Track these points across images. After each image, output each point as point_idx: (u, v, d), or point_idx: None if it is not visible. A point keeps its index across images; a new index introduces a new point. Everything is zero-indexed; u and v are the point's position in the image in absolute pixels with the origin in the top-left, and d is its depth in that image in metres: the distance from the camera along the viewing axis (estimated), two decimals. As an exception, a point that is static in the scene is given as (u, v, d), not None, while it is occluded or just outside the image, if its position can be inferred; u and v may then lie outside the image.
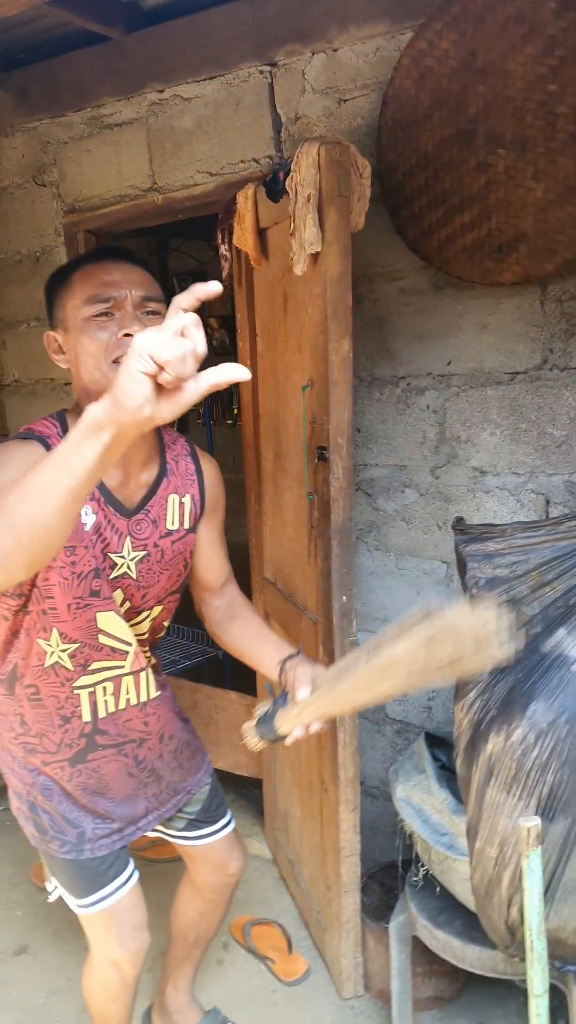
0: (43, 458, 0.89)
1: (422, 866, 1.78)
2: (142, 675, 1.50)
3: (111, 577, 1.39)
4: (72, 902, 1.53)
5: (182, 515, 1.47)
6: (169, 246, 4.31)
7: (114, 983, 1.58)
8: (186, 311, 0.79)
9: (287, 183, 1.73)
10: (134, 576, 1.42)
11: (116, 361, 1.30)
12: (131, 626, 1.46)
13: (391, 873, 2.17)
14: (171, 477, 1.46)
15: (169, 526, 1.45)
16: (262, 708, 1.39)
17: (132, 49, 2.38)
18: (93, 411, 0.81)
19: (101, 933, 1.54)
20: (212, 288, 0.81)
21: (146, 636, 1.54)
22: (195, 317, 0.78)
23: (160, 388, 0.78)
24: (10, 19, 2.32)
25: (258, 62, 2.16)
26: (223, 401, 4.07)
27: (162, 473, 1.45)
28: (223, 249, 2.17)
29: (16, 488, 0.89)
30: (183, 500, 1.48)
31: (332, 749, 1.88)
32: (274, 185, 1.85)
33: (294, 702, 1.31)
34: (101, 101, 2.48)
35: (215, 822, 1.70)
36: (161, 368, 0.76)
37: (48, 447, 1.31)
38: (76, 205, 2.65)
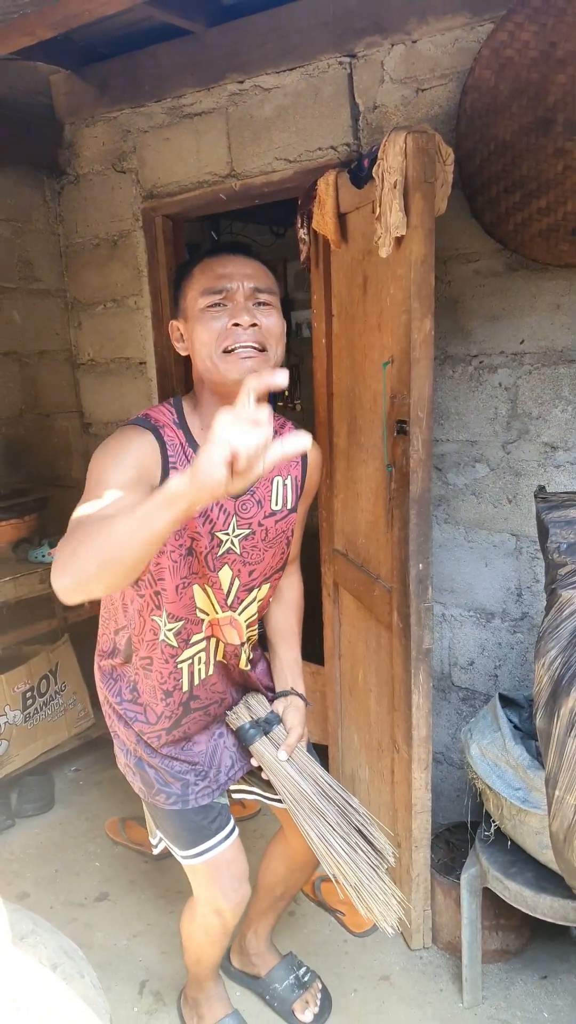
0: (146, 460, 1.32)
1: (493, 822, 1.87)
2: (225, 646, 1.60)
3: (218, 555, 1.48)
4: (178, 853, 1.65)
5: (285, 496, 1.55)
6: (230, 230, 4.41)
7: (216, 929, 1.70)
8: (257, 397, 0.90)
9: (373, 170, 1.81)
10: (238, 552, 1.51)
11: (226, 351, 1.38)
12: (243, 607, 1.56)
13: (456, 833, 2.26)
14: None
15: (273, 506, 1.54)
16: (260, 710, 1.71)
17: (212, 42, 2.47)
18: (175, 484, 0.93)
19: (205, 884, 1.65)
20: (279, 382, 0.92)
21: (255, 616, 1.62)
22: (269, 411, 0.89)
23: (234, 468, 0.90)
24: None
25: (338, 53, 2.24)
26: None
27: None
28: (302, 233, 2.27)
29: (107, 524, 1.04)
30: (286, 482, 1.55)
31: (405, 711, 1.98)
32: (358, 172, 1.93)
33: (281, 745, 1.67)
34: (181, 92, 2.59)
35: None
36: (237, 456, 0.87)
37: (161, 439, 1.40)
38: (154, 191, 2.76)
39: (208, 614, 1.54)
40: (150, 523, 0.97)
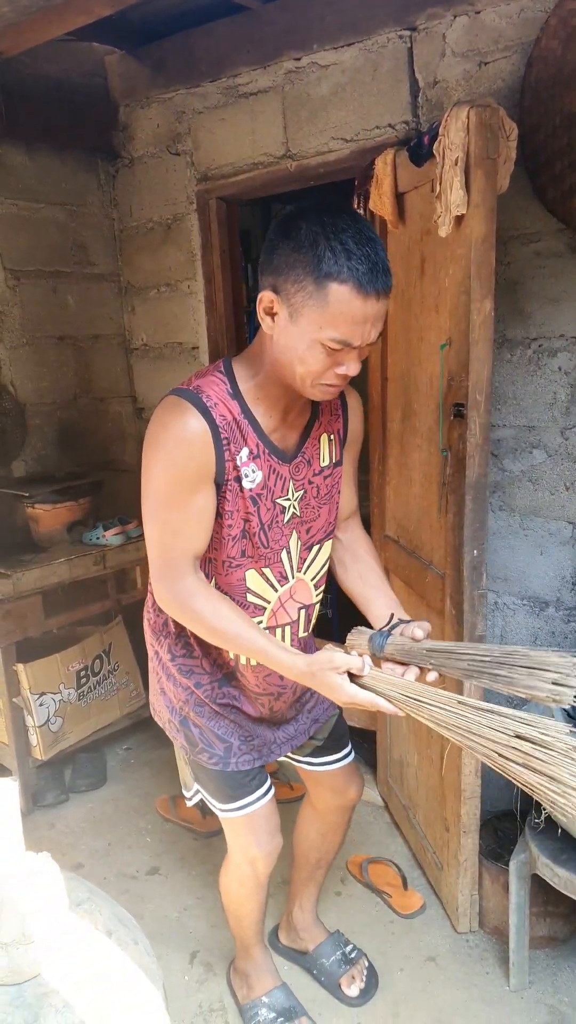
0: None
1: (543, 810, 1.85)
2: (278, 631, 1.59)
3: (284, 521, 1.49)
4: (216, 807, 1.69)
5: (331, 451, 1.55)
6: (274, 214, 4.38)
7: (249, 879, 1.75)
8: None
9: (434, 147, 1.77)
10: (298, 513, 1.52)
11: (321, 383, 1.32)
12: (306, 567, 1.57)
13: (503, 821, 2.24)
14: (321, 417, 1.52)
15: (322, 463, 1.53)
16: (366, 633, 1.43)
17: (270, 18, 2.45)
18: (298, 669, 1.38)
19: (242, 834, 1.69)
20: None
21: (320, 575, 1.61)
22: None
23: None
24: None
25: (397, 27, 2.19)
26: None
27: (314, 416, 1.51)
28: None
29: (224, 628, 1.41)
30: (331, 436, 1.55)
31: (457, 697, 1.96)
32: (418, 149, 1.90)
33: (411, 637, 1.38)
34: (237, 71, 2.57)
35: (339, 750, 1.83)
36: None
37: (212, 420, 1.34)
38: (209, 173, 2.76)
39: (267, 601, 1.54)
40: (259, 655, 1.41)
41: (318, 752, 1.82)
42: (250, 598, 1.52)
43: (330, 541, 1.61)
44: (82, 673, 2.84)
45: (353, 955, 2.00)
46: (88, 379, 3.20)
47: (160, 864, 2.46)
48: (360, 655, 1.35)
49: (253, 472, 1.42)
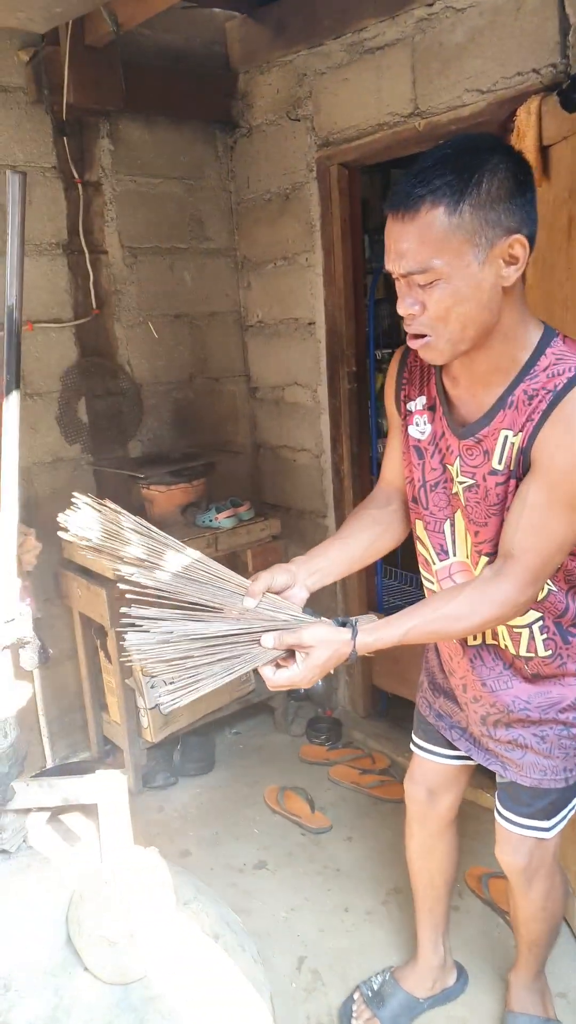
0: None
1: None
2: None
3: (452, 491, 1.36)
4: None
5: (509, 456, 1.25)
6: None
7: (407, 815, 1.77)
8: None
9: (590, 87, 1.56)
10: (464, 503, 1.34)
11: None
12: (477, 561, 1.38)
13: None
14: (508, 410, 1.23)
15: (495, 464, 1.27)
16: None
17: (399, -37, 2.26)
18: None
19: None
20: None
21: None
22: None
23: None
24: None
25: (545, -41, 1.96)
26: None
27: (500, 404, 1.25)
28: (494, 173, 2.04)
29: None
30: (513, 439, 1.24)
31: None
32: (570, 93, 1.69)
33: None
34: (363, 24, 2.40)
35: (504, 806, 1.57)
36: None
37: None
38: (330, 138, 2.61)
39: (431, 563, 1.45)
40: None
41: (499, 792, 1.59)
42: (419, 547, 1.48)
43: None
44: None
45: None
46: (203, 358, 3.14)
47: (267, 858, 2.39)
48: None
49: (423, 425, 1.39)
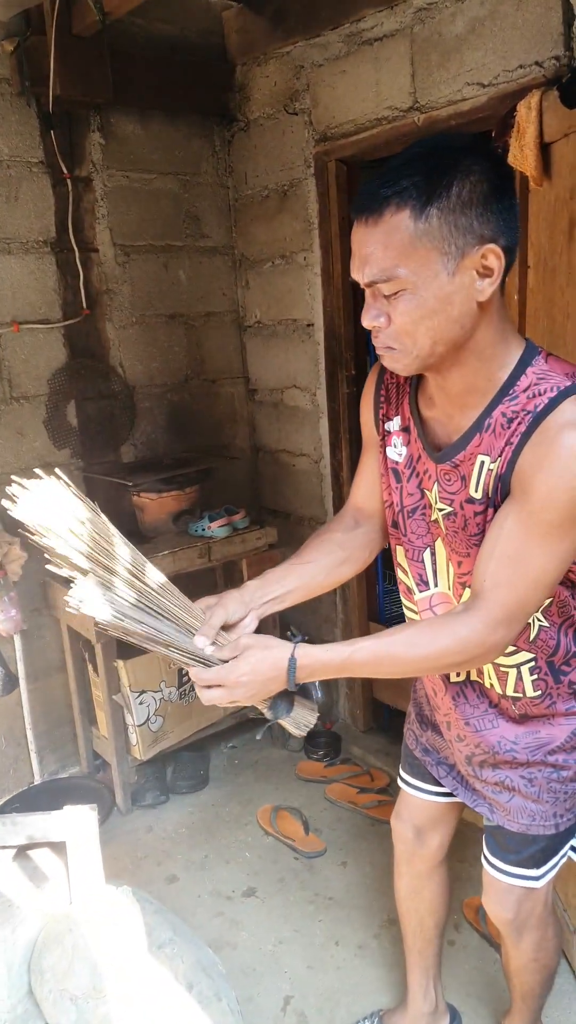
0: None
1: None
2: None
3: (431, 519, 1.26)
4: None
5: (487, 483, 1.15)
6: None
7: (395, 854, 1.71)
8: None
9: (594, 81, 1.45)
10: (444, 531, 1.24)
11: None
12: (460, 593, 1.29)
13: None
14: (485, 434, 1.14)
15: (472, 492, 1.17)
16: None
17: (398, -51, 2.14)
18: None
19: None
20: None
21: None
22: None
23: None
24: None
25: (551, -58, 1.84)
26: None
27: (476, 427, 1.15)
28: (495, 170, 1.92)
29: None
30: (491, 466, 1.13)
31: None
32: (571, 87, 1.57)
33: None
34: (361, 14, 2.28)
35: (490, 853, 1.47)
36: None
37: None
38: (328, 133, 2.50)
39: (412, 592, 1.36)
40: None
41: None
42: (399, 574, 1.39)
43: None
44: (184, 670, 2.72)
45: None
46: (200, 359, 3.04)
47: (257, 885, 2.31)
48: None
49: (399, 447, 1.29)
